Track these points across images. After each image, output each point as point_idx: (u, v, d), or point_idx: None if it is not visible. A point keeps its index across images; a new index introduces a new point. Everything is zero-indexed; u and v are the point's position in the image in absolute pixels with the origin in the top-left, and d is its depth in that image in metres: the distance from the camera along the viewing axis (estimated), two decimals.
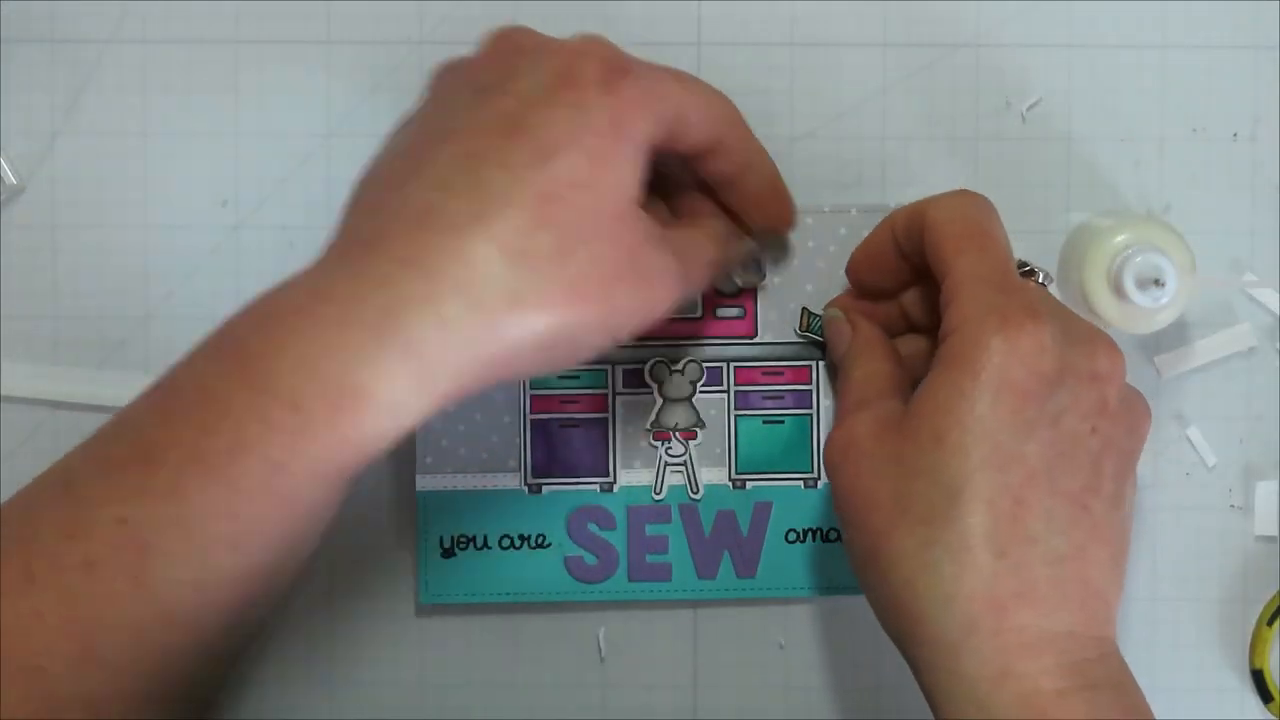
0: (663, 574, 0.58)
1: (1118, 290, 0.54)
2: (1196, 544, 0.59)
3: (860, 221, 0.58)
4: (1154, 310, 0.54)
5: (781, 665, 0.60)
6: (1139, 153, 0.59)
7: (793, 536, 0.58)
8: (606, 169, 0.46)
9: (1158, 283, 0.53)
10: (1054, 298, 0.53)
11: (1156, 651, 0.59)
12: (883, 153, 0.59)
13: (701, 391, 0.58)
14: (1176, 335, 0.59)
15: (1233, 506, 0.60)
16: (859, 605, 0.53)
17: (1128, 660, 0.49)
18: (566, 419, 0.58)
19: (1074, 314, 0.51)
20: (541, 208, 0.44)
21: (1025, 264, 0.54)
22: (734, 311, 0.58)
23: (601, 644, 0.60)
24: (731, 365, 0.58)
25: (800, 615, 0.60)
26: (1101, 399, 0.49)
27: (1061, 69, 0.59)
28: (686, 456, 0.58)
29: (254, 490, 0.43)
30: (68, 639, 0.43)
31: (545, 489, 0.58)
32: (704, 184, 0.53)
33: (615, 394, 0.58)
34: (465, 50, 0.49)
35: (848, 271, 0.57)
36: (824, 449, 0.54)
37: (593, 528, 0.58)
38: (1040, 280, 0.55)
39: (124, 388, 0.56)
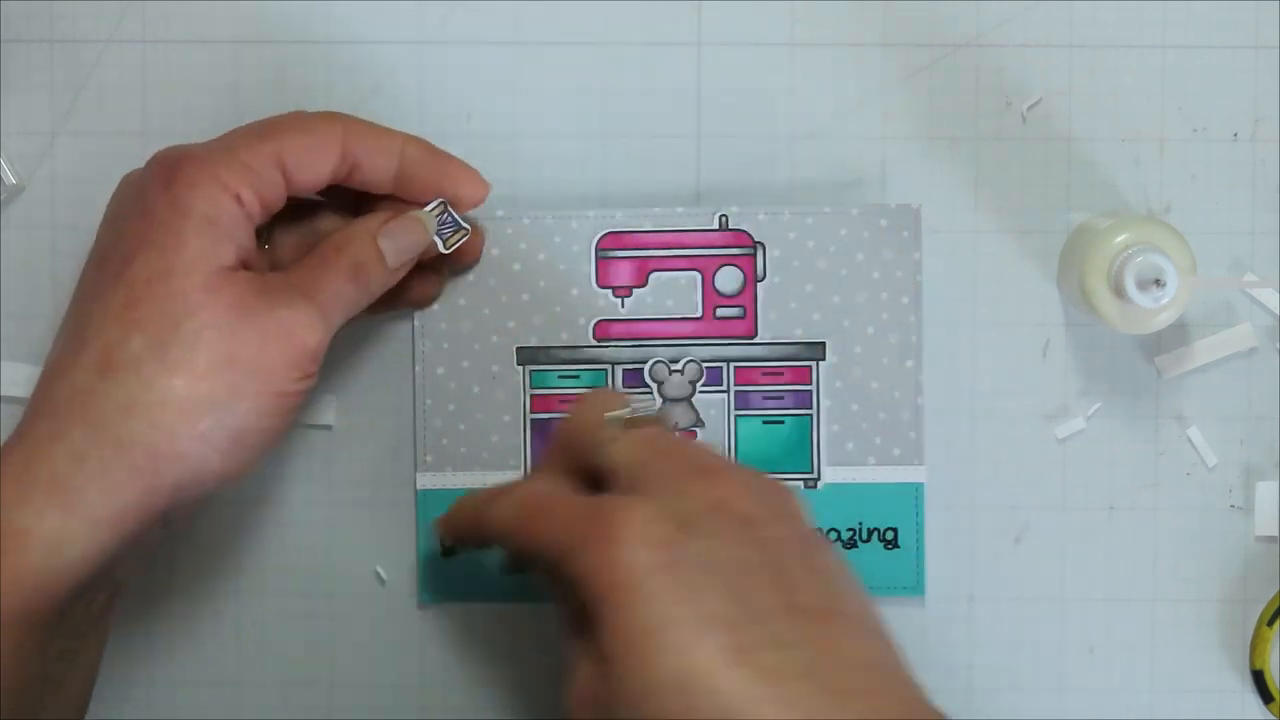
0: None
1: (1118, 290, 0.54)
2: (1197, 544, 0.59)
3: (860, 221, 0.58)
4: (1154, 310, 0.54)
5: None
6: (1139, 153, 0.59)
7: None
8: (177, 254, 0.49)
9: (1158, 283, 0.53)
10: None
11: (1157, 652, 0.59)
12: (883, 153, 0.59)
13: (701, 391, 0.58)
14: (1177, 335, 0.59)
15: (1233, 507, 0.60)
16: None
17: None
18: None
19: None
20: (127, 315, 0.48)
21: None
22: (734, 311, 0.58)
23: None
24: (731, 365, 0.58)
25: None
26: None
27: (1061, 69, 0.59)
28: None
29: None
30: None
31: None
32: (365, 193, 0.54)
33: None
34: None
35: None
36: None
37: None
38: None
39: None
